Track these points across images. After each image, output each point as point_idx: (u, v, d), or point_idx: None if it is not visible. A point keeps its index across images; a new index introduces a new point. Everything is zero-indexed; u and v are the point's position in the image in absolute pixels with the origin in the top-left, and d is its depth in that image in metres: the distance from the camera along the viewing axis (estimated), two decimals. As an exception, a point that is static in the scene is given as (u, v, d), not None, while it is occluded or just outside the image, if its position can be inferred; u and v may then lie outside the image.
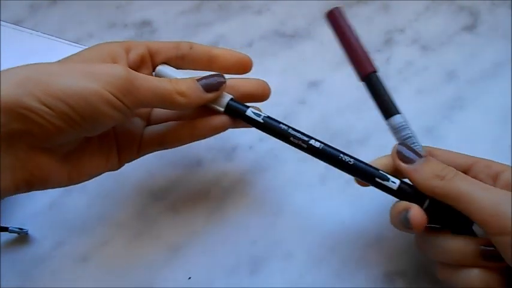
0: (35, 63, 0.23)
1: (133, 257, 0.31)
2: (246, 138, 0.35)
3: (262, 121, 0.27)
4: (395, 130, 0.28)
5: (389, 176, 0.26)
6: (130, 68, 0.25)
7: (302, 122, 0.36)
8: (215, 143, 0.35)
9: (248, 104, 0.28)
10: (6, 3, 0.43)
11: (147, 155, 0.29)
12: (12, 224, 0.31)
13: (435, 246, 0.25)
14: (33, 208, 0.33)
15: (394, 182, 0.26)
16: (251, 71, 0.40)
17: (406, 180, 0.26)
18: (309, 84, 0.38)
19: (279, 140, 0.28)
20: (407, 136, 0.28)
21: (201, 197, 0.33)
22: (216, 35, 0.41)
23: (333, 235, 0.31)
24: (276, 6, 0.43)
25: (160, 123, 0.29)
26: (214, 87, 0.27)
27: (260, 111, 0.28)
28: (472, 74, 0.38)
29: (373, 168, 0.26)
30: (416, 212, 0.24)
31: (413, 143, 0.27)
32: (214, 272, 0.30)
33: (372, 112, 0.37)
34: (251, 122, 0.27)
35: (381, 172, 0.26)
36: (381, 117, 0.36)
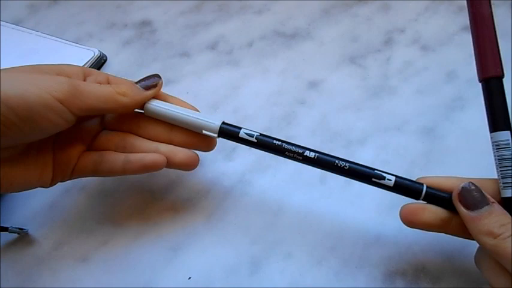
0: None
1: (134, 257, 0.31)
2: (246, 138, 0.35)
3: (255, 140, 0.28)
4: (496, 147, 0.25)
5: (384, 174, 0.26)
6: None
7: (302, 122, 0.36)
8: (215, 143, 0.35)
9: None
10: (6, 3, 0.43)
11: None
12: (12, 224, 0.31)
13: None
14: (33, 208, 0.33)
15: (390, 180, 0.26)
16: (251, 72, 0.40)
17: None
18: (309, 84, 0.38)
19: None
20: (505, 157, 0.25)
21: (201, 197, 0.33)
22: (216, 35, 0.41)
23: (333, 235, 0.31)
24: (276, 6, 0.43)
25: (102, 150, 0.29)
26: (151, 86, 0.28)
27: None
28: (472, 74, 0.38)
29: (369, 169, 0.27)
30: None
31: (509, 166, 0.25)
32: (214, 272, 0.30)
33: (371, 112, 0.37)
34: (245, 142, 0.28)
35: (376, 171, 0.27)
36: (381, 118, 0.37)
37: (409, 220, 0.26)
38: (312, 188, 0.33)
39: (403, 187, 0.26)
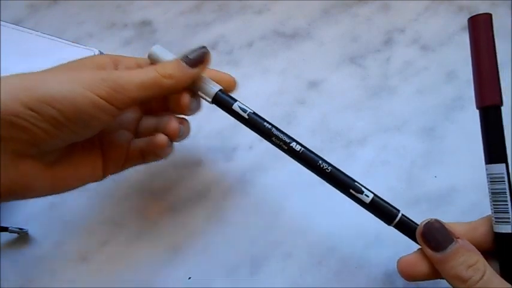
0: (18, 74, 0.23)
1: (134, 257, 0.31)
2: (246, 138, 0.35)
3: (247, 117, 0.27)
4: (490, 180, 0.25)
5: (363, 189, 0.26)
6: None
7: (302, 122, 0.36)
8: (215, 143, 0.35)
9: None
10: (6, 3, 0.43)
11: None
12: (12, 224, 0.31)
13: None
14: (33, 208, 0.33)
15: (367, 196, 0.25)
16: (251, 72, 0.40)
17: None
18: (309, 84, 0.38)
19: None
20: (499, 191, 0.24)
21: (201, 197, 0.33)
22: (216, 35, 0.41)
23: (333, 235, 0.31)
24: (276, 6, 0.43)
25: (147, 135, 0.29)
26: (198, 61, 0.27)
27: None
28: (472, 74, 0.38)
29: (350, 179, 0.26)
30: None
31: (505, 201, 0.24)
32: (214, 272, 0.30)
33: (371, 112, 0.37)
34: (236, 116, 0.27)
35: (356, 184, 0.26)
36: (381, 118, 0.37)
37: (407, 274, 0.25)
38: (312, 188, 0.33)
39: (379, 207, 0.26)
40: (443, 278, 0.24)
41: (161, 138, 0.27)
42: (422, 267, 0.24)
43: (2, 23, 0.40)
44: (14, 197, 0.24)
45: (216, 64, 0.39)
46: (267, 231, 0.32)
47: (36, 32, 0.40)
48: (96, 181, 0.28)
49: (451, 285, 0.23)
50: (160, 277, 0.30)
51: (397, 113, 0.36)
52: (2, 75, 0.22)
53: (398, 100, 0.37)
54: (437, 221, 0.24)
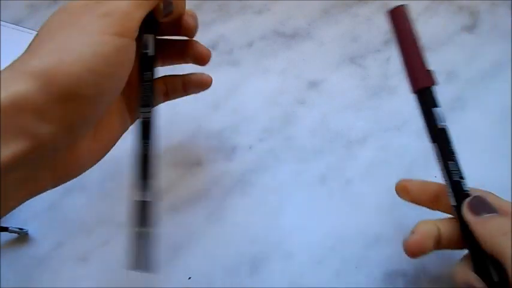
0: (41, 48, 0.22)
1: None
2: (246, 138, 0.35)
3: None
4: (437, 157, 0.26)
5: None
6: None
7: (302, 122, 0.36)
8: (215, 143, 0.35)
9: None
10: (6, 3, 0.43)
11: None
12: (12, 224, 0.31)
13: None
14: (33, 208, 0.33)
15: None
16: (251, 72, 0.40)
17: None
18: (309, 84, 0.38)
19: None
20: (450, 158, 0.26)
21: (201, 197, 0.33)
22: (216, 35, 0.41)
23: (333, 235, 0.31)
24: (276, 6, 0.43)
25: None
26: None
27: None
28: (472, 74, 0.38)
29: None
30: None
31: (456, 170, 0.26)
32: (214, 272, 0.30)
33: (371, 112, 0.37)
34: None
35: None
36: (381, 118, 0.37)
37: (414, 253, 0.26)
38: (312, 188, 0.33)
39: None
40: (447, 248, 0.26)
41: (205, 76, 0.31)
42: (429, 244, 0.26)
43: (2, 23, 0.40)
44: (69, 179, 0.24)
45: (216, 64, 0.40)
46: (267, 231, 0.32)
47: (36, 32, 0.40)
48: (127, 129, 0.28)
49: (489, 242, 0.23)
50: (160, 277, 0.30)
51: (397, 113, 0.36)
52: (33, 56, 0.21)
53: (398, 100, 0.37)
54: (485, 197, 0.25)
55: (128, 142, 0.35)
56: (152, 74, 0.27)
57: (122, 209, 0.33)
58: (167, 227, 0.32)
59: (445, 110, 0.37)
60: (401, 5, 0.26)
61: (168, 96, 0.31)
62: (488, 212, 0.24)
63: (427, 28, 0.41)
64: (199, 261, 0.31)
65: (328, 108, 0.37)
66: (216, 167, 0.34)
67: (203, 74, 0.31)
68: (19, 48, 0.40)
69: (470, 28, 0.41)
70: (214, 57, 0.40)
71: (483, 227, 0.24)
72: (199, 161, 0.35)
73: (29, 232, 0.32)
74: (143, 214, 0.27)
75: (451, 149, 0.26)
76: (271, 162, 0.34)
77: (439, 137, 0.26)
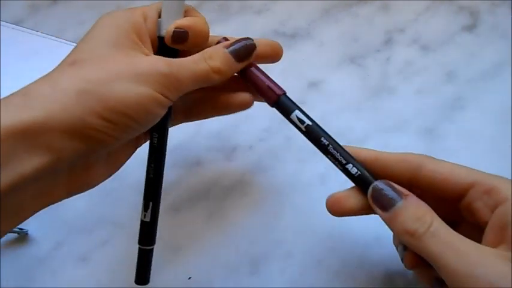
0: (80, 67, 0.22)
1: (134, 257, 0.31)
2: (246, 138, 0.35)
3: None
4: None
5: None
6: (150, 36, 0.25)
7: (302, 122, 0.36)
8: (215, 143, 0.35)
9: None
10: (6, 3, 0.43)
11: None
12: (12, 224, 0.31)
13: None
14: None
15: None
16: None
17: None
18: (309, 84, 0.38)
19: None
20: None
21: (201, 197, 0.33)
22: (216, 35, 0.41)
23: (333, 235, 0.31)
24: (276, 6, 0.43)
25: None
26: (245, 54, 0.26)
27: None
28: (472, 74, 0.38)
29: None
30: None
31: (340, 158, 0.26)
32: (214, 272, 0.30)
33: (371, 112, 0.37)
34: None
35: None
36: (381, 118, 0.37)
37: (334, 210, 0.25)
38: (312, 188, 0.33)
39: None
40: (373, 213, 0.24)
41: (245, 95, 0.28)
42: (348, 204, 0.25)
43: (2, 23, 0.40)
44: (77, 193, 0.25)
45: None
46: (267, 231, 0.32)
47: (36, 32, 0.40)
48: (140, 146, 0.28)
49: (403, 242, 0.23)
50: (160, 277, 0.30)
51: (397, 113, 0.36)
52: (65, 80, 0.22)
53: (398, 100, 0.37)
54: (384, 182, 0.24)
55: (128, 142, 0.35)
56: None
57: (122, 209, 0.33)
58: (167, 227, 0.32)
59: (445, 110, 0.37)
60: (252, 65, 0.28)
61: (190, 117, 0.29)
62: (393, 204, 0.22)
63: (427, 28, 0.41)
64: (199, 261, 0.31)
65: (328, 108, 0.37)
66: (216, 167, 0.34)
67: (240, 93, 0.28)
68: (19, 48, 0.40)
69: (470, 28, 0.41)
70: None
71: (393, 225, 0.23)
72: (199, 161, 0.35)
73: (29, 232, 0.32)
74: (144, 233, 0.28)
75: (324, 143, 0.26)
76: (271, 162, 0.34)
77: (310, 136, 0.26)
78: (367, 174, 0.25)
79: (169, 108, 0.25)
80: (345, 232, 0.31)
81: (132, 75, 0.22)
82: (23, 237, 0.31)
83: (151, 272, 0.30)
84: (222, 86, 0.28)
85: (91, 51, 0.23)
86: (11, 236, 0.31)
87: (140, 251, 0.28)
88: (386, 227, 0.31)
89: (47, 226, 0.32)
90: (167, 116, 0.26)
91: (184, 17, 0.26)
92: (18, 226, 0.31)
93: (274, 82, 0.27)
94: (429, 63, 0.39)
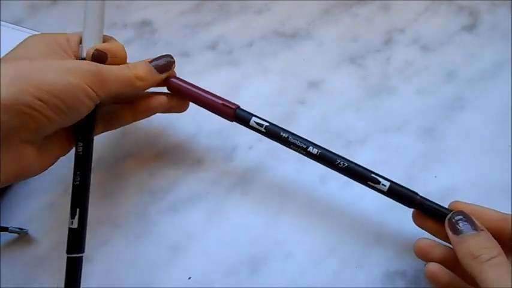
0: (15, 61, 0.25)
1: (133, 257, 0.31)
2: (246, 138, 0.35)
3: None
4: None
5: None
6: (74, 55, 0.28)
7: (302, 122, 0.36)
8: (215, 142, 0.35)
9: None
10: (6, 3, 0.43)
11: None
12: (12, 224, 0.31)
13: None
14: (33, 208, 0.33)
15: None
16: (251, 72, 0.40)
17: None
18: (309, 84, 0.38)
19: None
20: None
21: (201, 197, 0.33)
22: (216, 35, 0.41)
23: (333, 235, 0.31)
24: (276, 6, 0.43)
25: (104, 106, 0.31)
26: (165, 67, 0.30)
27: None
28: (472, 74, 0.38)
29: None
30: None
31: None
32: (214, 272, 0.30)
33: (371, 112, 0.37)
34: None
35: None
36: (381, 118, 0.37)
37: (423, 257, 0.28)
38: (312, 188, 0.33)
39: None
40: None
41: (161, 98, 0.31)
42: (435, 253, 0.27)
43: (2, 23, 0.40)
44: (15, 181, 0.27)
45: (216, 64, 0.40)
46: (267, 231, 0.32)
47: (36, 32, 0.40)
48: (64, 155, 0.29)
49: (463, 264, 0.24)
50: (160, 277, 0.30)
51: (397, 113, 0.36)
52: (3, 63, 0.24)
53: (398, 100, 0.37)
54: (463, 213, 0.26)
55: (128, 143, 0.36)
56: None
57: (122, 209, 0.33)
58: (167, 227, 0.32)
59: (445, 110, 0.37)
60: (172, 76, 0.31)
61: (110, 126, 0.31)
62: (469, 226, 0.25)
63: (427, 28, 0.41)
64: (199, 261, 0.31)
65: (328, 108, 0.37)
66: (216, 166, 0.34)
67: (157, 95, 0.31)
68: (19, 48, 0.40)
69: (470, 28, 0.41)
70: (214, 57, 0.40)
71: (459, 246, 0.24)
72: (200, 161, 0.35)
73: (29, 232, 0.32)
74: (71, 240, 0.28)
75: (284, 136, 0.29)
76: (271, 162, 0.34)
77: (271, 134, 0.29)
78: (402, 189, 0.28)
79: (94, 115, 0.28)
80: (345, 232, 0.31)
81: (63, 68, 0.25)
82: (23, 237, 0.31)
83: (151, 272, 0.30)
84: (140, 96, 0.31)
85: (25, 55, 0.26)
86: (11, 236, 0.31)
87: (68, 260, 0.28)
88: (386, 227, 0.32)
89: (47, 226, 0.32)
90: (91, 125, 0.29)
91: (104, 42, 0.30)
92: (18, 226, 0.31)
93: (226, 99, 0.30)
94: (429, 63, 0.39)
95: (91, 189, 0.33)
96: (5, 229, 0.31)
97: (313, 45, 0.41)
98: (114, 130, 0.32)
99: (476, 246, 0.24)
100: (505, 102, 0.36)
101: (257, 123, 0.29)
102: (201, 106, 0.30)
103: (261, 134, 0.30)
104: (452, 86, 0.38)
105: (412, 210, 0.28)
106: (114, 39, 0.31)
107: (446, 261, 0.27)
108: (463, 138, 0.35)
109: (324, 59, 0.40)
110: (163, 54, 0.30)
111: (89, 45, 0.28)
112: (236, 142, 0.35)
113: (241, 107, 0.30)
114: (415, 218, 0.28)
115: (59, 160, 0.29)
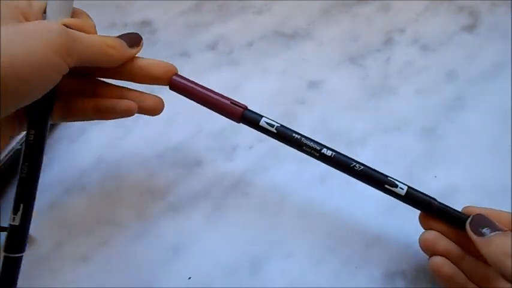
0: None
1: (134, 257, 0.31)
2: (246, 138, 0.35)
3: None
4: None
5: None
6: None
7: (302, 122, 0.36)
8: (215, 143, 0.35)
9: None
10: (6, 3, 0.43)
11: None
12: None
13: None
14: (33, 208, 0.33)
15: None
16: (251, 72, 0.40)
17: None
18: (309, 84, 0.38)
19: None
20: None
21: (201, 197, 0.33)
22: (216, 35, 0.41)
23: (333, 235, 0.31)
24: (276, 6, 0.43)
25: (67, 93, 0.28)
26: (135, 42, 0.28)
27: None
28: (472, 74, 0.38)
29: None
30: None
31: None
32: (214, 272, 0.30)
33: (371, 112, 0.37)
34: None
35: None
36: (381, 118, 0.37)
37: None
38: (312, 188, 0.33)
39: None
40: None
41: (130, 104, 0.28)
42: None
43: None
44: None
45: (216, 64, 0.40)
46: (267, 231, 0.32)
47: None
48: (19, 134, 0.27)
49: (495, 264, 0.23)
50: (160, 277, 0.30)
51: (397, 113, 0.36)
52: None
53: (398, 100, 0.37)
54: (483, 215, 0.25)
55: (128, 142, 0.36)
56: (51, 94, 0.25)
57: (122, 209, 0.33)
58: (167, 227, 0.32)
59: (445, 110, 0.37)
60: (175, 74, 0.29)
61: (69, 116, 0.28)
62: (490, 229, 0.24)
63: (427, 28, 0.41)
64: (199, 261, 0.31)
65: (328, 108, 0.37)
66: (216, 167, 0.34)
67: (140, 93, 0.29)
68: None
69: (470, 28, 0.41)
70: (214, 57, 0.40)
71: (487, 247, 0.24)
72: (199, 161, 0.35)
73: (29, 232, 0.32)
74: (11, 239, 0.25)
75: (297, 137, 0.28)
76: (271, 162, 0.34)
77: (283, 135, 0.28)
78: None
79: (54, 96, 0.25)
80: (345, 232, 0.31)
81: (22, 31, 0.22)
82: (23, 237, 0.31)
83: (151, 272, 0.30)
84: (107, 92, 0.29)
85: None
86: (11, 236, 0.31)
87: (6, 259, 0.24)
88: (386, 227, 0.32)
89: (47, 226, 0.32)
90: (49, 110, 0.25)
91: (72, 17, 0.27)
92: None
93: (234, 100, 0.28)
94: (429, 63, 0.39)
95: (91, 189, 0.33)
96: (5, 229, 0.31)
97: (313, 45, 0.41)
98: (114, 130, 0.32)
99: (508, 244, 0.23)
100: (505, 102, 0.37)
101: (268, 124, 0.28)
102: (205, 106, 0.29)
103: (271, 135, 0.28)
104: (452, 86, 0.38)
105: (414, 210, 0.28)
106: (86, 14, 0.28)
107: (450, 255, 0.27)
108: (463, 138, 0.35)
109: (324, 59, 0.40)
110: (129, 32, 0.28)
111: (55, 18, 0.25)
112: (236, 142, 0.35)
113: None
114: (422, 220, 0.28)
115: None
